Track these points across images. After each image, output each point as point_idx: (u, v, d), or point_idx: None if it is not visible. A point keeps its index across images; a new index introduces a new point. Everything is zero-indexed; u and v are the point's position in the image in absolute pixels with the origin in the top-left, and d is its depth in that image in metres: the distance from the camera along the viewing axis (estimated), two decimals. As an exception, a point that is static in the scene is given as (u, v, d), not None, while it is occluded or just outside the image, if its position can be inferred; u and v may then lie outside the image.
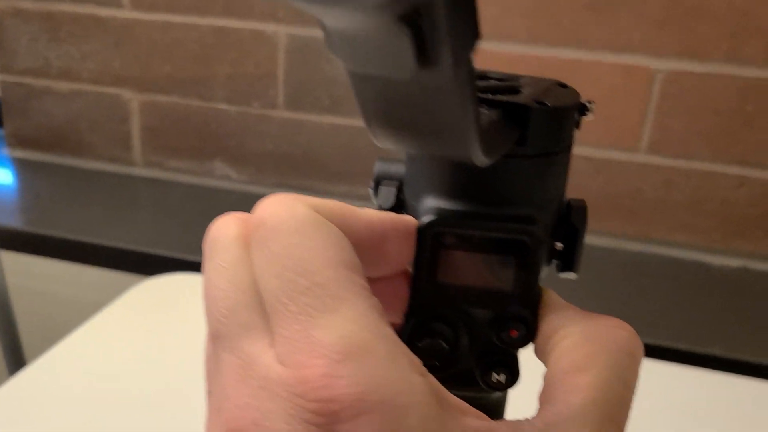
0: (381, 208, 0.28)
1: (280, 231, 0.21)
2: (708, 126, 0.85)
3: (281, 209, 0.21)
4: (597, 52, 0.85)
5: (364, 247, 0.23)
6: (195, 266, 0.82)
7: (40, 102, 1.10)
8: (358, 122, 0.97)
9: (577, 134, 0.27)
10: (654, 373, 0.65)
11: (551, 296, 0.26)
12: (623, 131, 0.88)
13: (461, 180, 0.25)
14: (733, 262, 0.90)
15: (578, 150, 0.98)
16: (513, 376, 0.26)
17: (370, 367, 0.18)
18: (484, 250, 0.25)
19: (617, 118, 0.87)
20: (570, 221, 0.27)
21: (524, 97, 0.25)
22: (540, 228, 0.25)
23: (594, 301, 0.81)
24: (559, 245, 0.27)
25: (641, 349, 0.24)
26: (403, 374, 0.19)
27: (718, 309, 0.82)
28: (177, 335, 0.67)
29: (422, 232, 0.25)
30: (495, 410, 0.29)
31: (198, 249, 0.84)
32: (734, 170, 0.86)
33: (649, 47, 0.83)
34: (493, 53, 0.87)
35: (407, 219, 0.25)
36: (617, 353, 0.23)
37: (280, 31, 0.96)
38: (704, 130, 0.86)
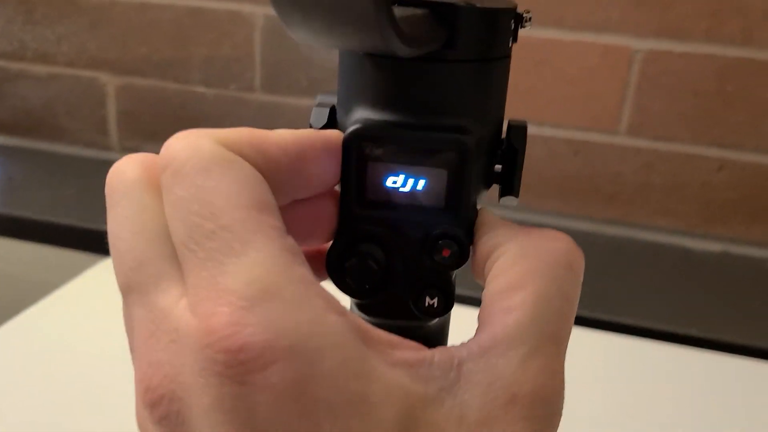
0: (312, 128, 0.26)
1: (184, 172, 0.19)
2: (688, 107, 0.84)
3: (186, 148, 0.20)
4: (575, 31, 0.84)
5: (282, 171, 0.21)
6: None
7: (15, 86, 1.09)
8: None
9: (516, 45, 0.25)
10: (635, 352, 0.64)
11: (487, 215, 0.25)
12: (602, 113, 0.87)
13: (389, 89, 0.24)
14: (714, 247, 0.89)
15: (556, 132, 0.97)
16: (447, 299, 0.25)
17: (278, 311, 0.17)
18: (413, 162, 0.24)
19: (596, 99, 0.86)
20: (509, 141, 0.25)
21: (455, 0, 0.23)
22: (473, 139, 0.23)
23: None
24: (498, 167, 0.26)
25: (581, 260, 0.23)
26: (316, 316, 0.18)
27: (699, 293, 0.80)
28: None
29: (347, 143, 0.23)
30: (436, 340, 0.28)
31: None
32: (714, 153, 0.85)
33: (628, 26, 0.82)
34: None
35: (327, 134, 0.23)
36: (554, 267, 0.22)
37: (257, 12, 0.95)
38: (684, 112, 0.85)
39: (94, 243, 0.86)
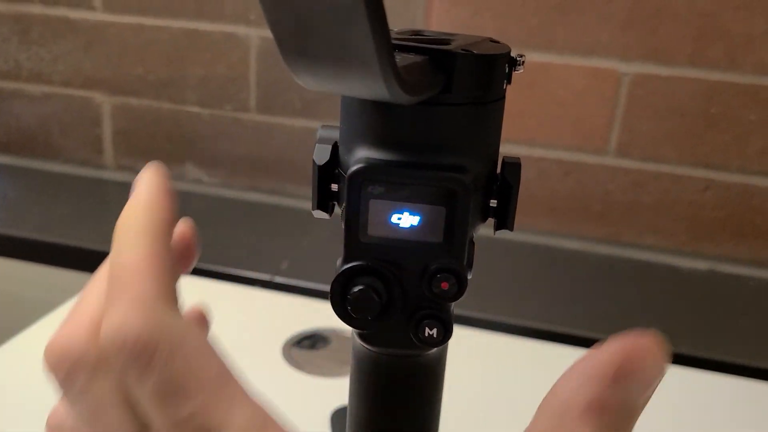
0: (315, 165, 0.27)
1: (155, 362, 0.21)
2: (674, 128, 0.86)
3: (146, 332, 0.21)
4: (565, 54, 0.86)
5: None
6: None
7: (10, 105, 1.10)
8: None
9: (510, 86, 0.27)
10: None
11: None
12: (592, 134, 0.88)
13: (390, 130, 0.25)
14: (701, 265, 0.90)
15: (547, 152, 0.99)
16: (446, 330, 0.26)
17: None
18: (413, 199, 0.25)
19: (585, 121, 0.88)
20: (504, 177, 0.26)
21: (452, 46, 0.25)
22: (470, 177, 0.25)
23: (565, 304, 0.81)
24: (493, 202, 0.27)
25: None
26: None
27: (686, 311, 0.82)
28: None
29: (350, 181, 0.25)
30: (432, 370, 0.29)
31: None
32: (700, 173, 0.87)
33: (616, 50, 0.84)
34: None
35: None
36: None
37: (252, 34, 0.96)
38: (671, 133, 0.86)
39: (90, 263, 0.86)
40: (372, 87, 0.21)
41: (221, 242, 0.91)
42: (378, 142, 0.25)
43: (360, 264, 0.25)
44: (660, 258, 0.91)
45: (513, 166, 0.27)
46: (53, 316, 0.67)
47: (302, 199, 1.02)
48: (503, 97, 0.27)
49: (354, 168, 0.24)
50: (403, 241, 0.25)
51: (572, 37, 0.85)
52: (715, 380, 0.65)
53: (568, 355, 0.67)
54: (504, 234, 0.27)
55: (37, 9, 1.03)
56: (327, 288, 0.79)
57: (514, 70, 0.26)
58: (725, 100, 0.84)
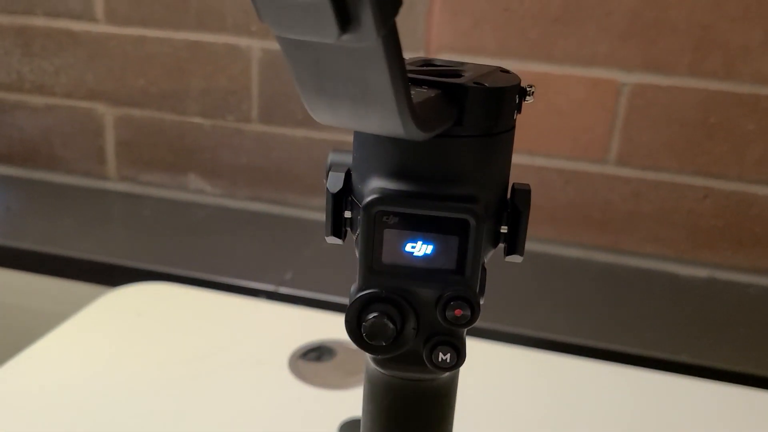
0: (329, 193, 0.28)
1: None
2: (674, 138, 0.87)
3: None
4: (565, 65, 0.87)
5: None
6: (166, 277, 0.82)
7: (13, 116, 1.10)
8: (332, 135, 0.98)
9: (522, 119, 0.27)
10: (626, 379, 0.66)
11: None
12: (592, 143, 0.89)
13: (403, 161, 0.26)
14: (701, 273, 0.91)
15: (548, 162, 0.99)
16: (459, 355, 0.27)
17: None
18: (426, 229, 0.26)
19: (586, 131, 0.89)
20: (514, 204, 0.27)
21: (464, 79, 0.25)
22: (481, 207, 0.25)
23: (565, 312, 0.82)
24: (504, 228, 0.28)
25: None
26: None
27: (687, 318, 0.82)
28: (144, 344, 0.66)
29: (365, 212, 0.25)
30: (445, 392, 0.30)
31: (170, 261, 0.85)
32: (699, 182, 0.88)
33: (615, 60, 0.85)
34: (463, 66, 0.88)
35: None
36: None
37: (254, 45, 0.97)
38: (670, 142, 0.87)
39: (93, 274, 0.87)
40: (389, 125, 0.21)
41: (224, 253, 0.91)
42: (391, 173, 0.26)
43: (375, 292, 0.26)
44: (660, 266, 0.92)
45: (522, 193, 0.28)
46: (61, 329, 0.68)
47: (305, 209, 1.03)
48: (513, 127, 0.27)
49: (369, 198, 0.25)
50: (417, 270, 0.26)
51: (572, 48, 0.86)
52: (714, 389, 0.65)
53: (569, 364, 0.68)
54: (514, 259, 0.28)
55: (39, 21, 1.04)
56: (332, 299, 0.80)
57: (524, 101, 0.27)
58: (724, 109, 0.85)
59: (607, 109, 0.87)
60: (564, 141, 0.90)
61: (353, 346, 0.69)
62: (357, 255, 0.27)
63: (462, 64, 0.28)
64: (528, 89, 0.27)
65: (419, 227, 0.25)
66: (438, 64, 0.28)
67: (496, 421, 0.58)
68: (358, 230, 0.27)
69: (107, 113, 1.06)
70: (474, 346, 0.69)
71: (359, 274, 0.26)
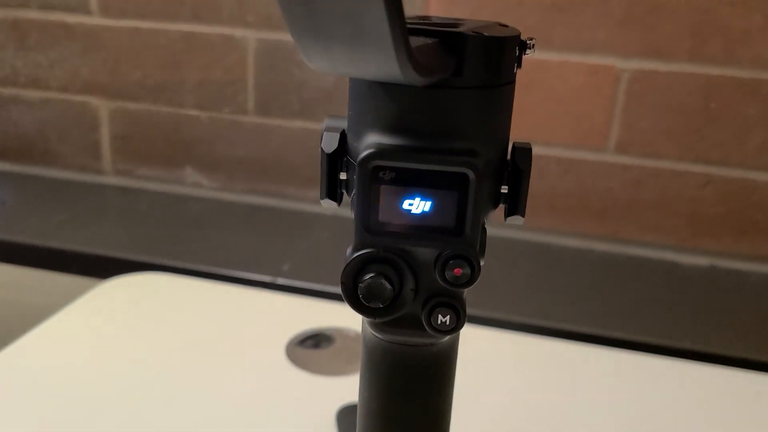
0: (324, 153, 0.27)
1: None
2: (674, 125, 0.86)
3: None
4: (563, 52, 0.86)
5: None
6: (161, 268, 0.81)
7: (7, 111, 1.09)
8: (329, 127, 0.97)
9: (520, 70, 0.27)
10: (627, 364, 0.65)
11: None
12: (591, 131, 0.88)
13: (400, 115, 0.25)
14: (702, 261, 0.90)
15: (547, 150, 0.98)
16: (459, 317, 0.26)
17: None
18: (424, 185, 0.25)
19: (585, 118, 0.88)
20: (515, 163, 0.26)
21: (462, 29, 0.24)
22: (481, 162, 0.25)
23: (566, 301, 0.81)
24: (504, 188, 0.27)
25: None
26: None
27: (689, 306, 0.82)
28: (140, 333, 0.65)
29: (360, 167, 0.24)
30: (445, 360, 0.29)
31: (167, 253, 0.84)
32: (700, 168, 0.87)
33: (614, 47, 0.85)
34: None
35: None
36: None
37: (249, 36, 0.96)
38: (670, 129, 0.86)
39: (90, 267, 0.86)
40: (386, 68, 0.21)
41: (222, 245, 0.90)
42: (388, 128, 0.25)
43: (371, 252, 0.25)
44: (661, 254, 0.91)
45: (524, 151, 0.27)
46: (52, 321, 0.67)
47: (302, 201, 1.02)
48: (513, 81, 0.27)
49: (364, 153, 0.24)
50: (415, 228, 0.25)
51: (570, 34, 0.85)
52: (717, 373, 0.65)
53: (570, 351, 0.67)
54: (516, 221, 0.27)
55: (33, 14, 1.03)
56: (329, 288, 0.79)
57: (524, 54, 0.26)
58: (724, 95, 0.84)
59: (606, 96, 0.87)
60: (563, 129, 0.89)
61: (351, 333, 0.68)
62: (352, 215, 0.26)
63: (460, 19, 0.28)
64: (528, 42, 0.26)
65: (417, 183, 0.25)
66: (435, 19, 0.28)
67: (497, 407, 0.57)
68: (354, 190, 0.26)
69: (102, 106, 1.05)
70: (474, 333, 0.68)
71: (355, 234, 0.26)
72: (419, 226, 0.25)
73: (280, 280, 0.81)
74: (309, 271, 0.83)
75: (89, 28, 1.02)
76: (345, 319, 0.66)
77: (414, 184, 0.24)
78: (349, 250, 0.26)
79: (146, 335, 0.65)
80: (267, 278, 0.81)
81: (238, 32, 0.96)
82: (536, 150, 0.89)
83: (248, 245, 0.91)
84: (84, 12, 1.01)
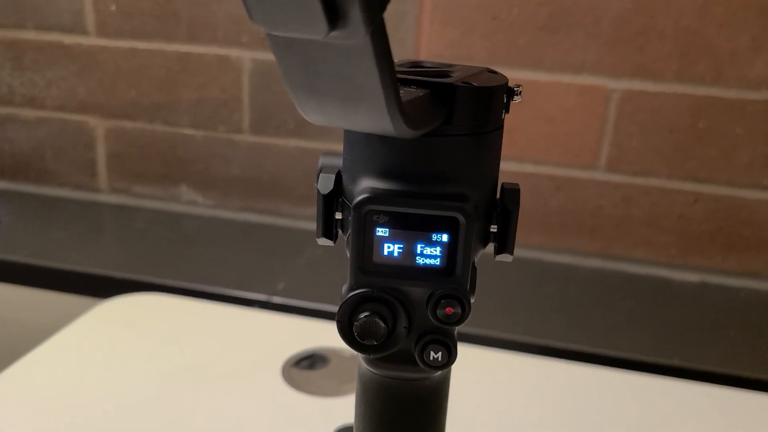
0: (320, 194, 0.28)
1: None
2: (663, 143, 0.88)
3: None
4: (554, 72, 0.87)
5: None
6: (159, 288, 0.82)
7: (4, 130, 1.10)
8: (324, 145, 0.98)
9: (508, 116, 0.28)
10: (618, 383, 0.66)
11: None
12: (582, 150, 0.90)
13: (393, 161, 0.26)
14: (692, 277, 0.91)
15: (538, 169, 1.00)
16: (450, 353, 0.27)
17: None
18: (416, 228, 0.26)
19: (576, 137, 0.89)
20: (503, 203, 0.27)
21: (452, 79, 0.26)
22: (471, 205, 0.26)
23: (557, 318, 0.82)
24: (494, 227, 0.28)
25: None
26: None
27: (679, 322, 0.83)
28: (137, 354, 0.66)
29: (355, 211, 0.25)
30: (437, 392, 0.30)
31: (163, 272, 0.84)
32: (689, 186, 0.88)
33: (604, 67, 0.86)
34: (453, 75, 0.89)
35: None
36: None
37: (245, 56, 0.97)
38: (660, 148, 0.88)
39: (86, 286, 0.86)
40: (378, 123, 0.22)
41: (217, 263, 0.91)
42: (381, 173, 0.26)
43: (365, 291, 0.26)
44: (651, 271, 0.92)
45: (512, 192, 0.28)
46: (50, 343, 0.67)
47: (297, 219, 1.03)
48: (502, 127, 0.28)
49: (359, 198, 0.25)
50: (408, 268, 0.26)
51: (560, 55, 0.87)
52: (706, 391, 0.66)
53: (561, 369, 0.68)
54: (504, 258, 0.28)
55: (30, 35, 1.04)
56: (324, 307, 0.80)
57: (512, 100, 0.27)
58: (712, 114, 0.85)
59: (596, 116, 0.88)
60: (554, 147, 0.90)
61: (346, 353, 0.69)
62: (348, 255, 0.27)
63: (450, 65, 0.29)
64: (515, 89, 0.27)
65: (409, 226, 0.26)
66: (427, 65, 0.29)
67: (488, 426, 0.58)
68: (349, 231, 0.27)
69: (98, 125, 1.06)
70: (466, 352, 0.69)
71: (350, 273, 0.26)
72: (412, 267, 0.26)
73: (276, 299, 0.81)
74: (304, 290, 0.83)
75: (85, 49, 1.03)
76: (339, 339, 0.67)
77: (406, 227, 0.26)
78: (344, 288, 0.27)
79: (143, 358, 0.65)
80: (262, 297, 0.82)
81: (234, 52, 0.97)
82: (528, 168, 0.91)
83: (244, 263, 0.92)
84: (80, 32, 1.02)
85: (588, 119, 0.88)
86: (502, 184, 0.28)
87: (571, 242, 0.93)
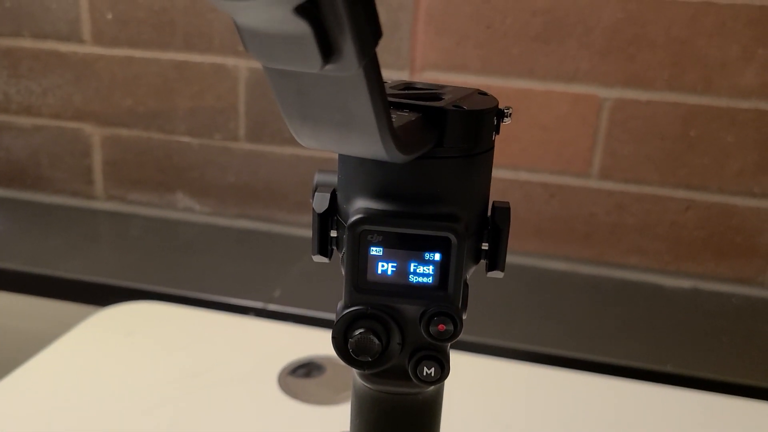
0: (315, 213, 0.29)
1: None
2: (655, 151, 0.89)
3: None
4: (547, 81, 0.88)
5: None
6: (155, 296, 0.82)
7: (0, 137, 1.10)
8: (319, 153, 0.99)
9: (498, 138, 0.28)
10: (611, 391, 0.66)
11: None
12: (575, 158, 0.91)
13: (386, 181, 0.27)
14: (685, 284, 0.92)
15: (532, 176, 1.01)
16: (443, 369, 0.28)
17: None
18: (409, 247, 0.26)
19: (569, 145, 0.90)
20: (494, 222, 0.28)
21: (443, 102, 0.26)
22: (463, 225, 0.26)
23: (551, 324, 0.82)
24: (485, 245, 0.29)
25: None
26: None
27: (672, 329, 0.84)
28: (133, 364, 0.66)
29: (350, 231, 0.26)
30: (431, 406, 0.30)
31: (161, 279, 0.85)
32: (681, 194, 0.89)
33: (596, 76, 0.87)
34: (448, 83, 0.89)
35: None
36: None
37: (241, 65, 0.98)
38: (652, 155, 0.89)
39: (83, 294, 0.87)
40: (371, 149, 0.22)
41: (213, 271, 0.92)
42: (375, 193, 0.27)
43: (360, 309, 0.27)
44: (644, 277, 0.93)
45: (502, 210, 0.28)
46: (46, 352, 0.68)
47: (292, 226, 1.03)
48: (492, 147, 0.28)
49: (354, 218, 0.26)
50: (401, 286, 0.27)
51: (553, 64, 0.88)
52: (698, 399, 0.66)
53: (555, 376, 0.68)
54: (496, 275, 0.29)
55: (26, 43, 1.05)
56: (320, 315, 0.81)
57: (502, 122, 0.28)
58: (703, 123, 0.86)
59: (589, 124, 0.89)
60: (548, 155, 0.91)
61: (341, 362, 0.69)
62: (343, 273, 0.28)
63: (442, 87, 0.29)
64: (505, 111, 0.28)
65: (402, 246, 0.26)
66: (419, 87, 0.29)
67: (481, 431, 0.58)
68: (344, 249, 0.27)
69: (95, 133, 1.07)
70: (460, 360, 0.70)
71: (345, 291, 0.27)
72: (405, 285, 0.27)
73: (272, 306, 0.82)
74: (299, 297, 0.84)
75: (82, 57, 1.03)
76: (336, 347, 0.67)
77: (400, 246, 0.26)
78: (339, 306, 0.28)
79: (140, 367, 0.66)
80: (258, 304, 0.82)
81: (230, 61, 0.98)
82: (523, 175, 0.92)
83: (240, 271, 0.92)
84: (77, 41, 1.03)
85: (581, 127, 0.89)
86: (493, 202, 0.29)
87: (564, 249, 0.94)
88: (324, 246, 0.29)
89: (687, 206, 0.90)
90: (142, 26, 1.00)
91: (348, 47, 0.18)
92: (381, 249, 0.26)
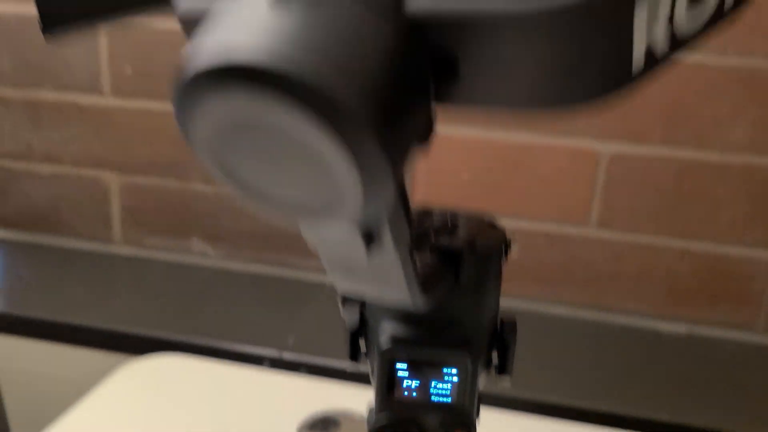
0: (347, 326, 0.33)
1: None
2: (651, 203, 0.93)
3: None
4: (546, 136, 0.93)
5: None
6: (175, 345, 0.86)
7: (21, 184, 1.15)
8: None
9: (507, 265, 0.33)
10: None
11: None
12: (575, 208, 0.95)
13: (409, 313, 0.31)
14: (680, 328, 0.96)
15: (533, 225, 1.04)
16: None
17: None
18: (430, 371, 0.31)
19: (568, 196, 0.95)
20: (502, 337, 0.32)
21: (459, 240, 0.31)
22: (475, 347, 0.31)
23: (550, 367, 0.86)
24: (494, 354, 0.33)
25: None
26: None
27: (667, 375, 0.88)
28: (168, 418, 0.70)
29: (381, 358, 0.31)
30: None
31: (180, 328, 0.90)
32: (676, 243, 0.94)
33: (593, 131, 0.91)
34: (452, 139, 0.94)
35: None
36: None
37: (254, 118, 1.02)
38: (648, 207, 0.93)
39: (106, 342, 0.91)
40: (400, 301, 0.27)
41: (227, 317, 0.96)
42: (401, 319, 0.31)
43: (387, 423, 0.31)
44: (641, 322, 0.97)
45: (510, 326, 0.33)
46: (74, 411, 0.72)
47: (305, 270, 1.08)
48: (501, 272, 0.33)
49: (384, 347, 0.30)
50: (424, 402, 0.31)
51: (552, 120, 0.92)
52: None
53: (549, 428, 0.72)
54: (504, 381, 0.33)
55: (48, 95, 1.09)
56: (334, 363, 0.85)
57: (509, 250, 0.32)
58: (696, 176, 0.91)
59: (587, 177, 0.93)
60: (548, 206, 0.95)
61: (356, 416, 0.73)
62: (372, 384, 0.32)
63: (455, 216, 0.34)
64: (511, 242, 0.32)
65: (425, 370, 0.31)
66: (435, 215, 0.34)
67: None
68: (374, 366, 0.32)
69: (113, 181, 1.11)
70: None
71: (375, 401, 0.31)
72: (427, 402, 0.31)
73: (286, 355, 0.86)
74: (314, 343, 0.88)
75: (101, 109, 1.08)
76: (350, 400, 0.71)
77: (423, 371, 0.31)
78: (368, 415, 0.32)
79: (165, 423, 0.70)
80: (273, 352, 0.86)
81: (244, 114, 1.02)
82: (525, 225, 0.96)
83: (254, 317, 0.96)
84: (97, 93, 1.07)
85: (579, 180, 0.94)
86: (501, 318, 0.33)
87: (564, 295, 0.98)
88: (355, 355, 0.33)
89: (682, 255, 0.94)
90: (160, 80, 1.05)
91: (387, 239, 0.22)
92: (406, 372, 0.31)
